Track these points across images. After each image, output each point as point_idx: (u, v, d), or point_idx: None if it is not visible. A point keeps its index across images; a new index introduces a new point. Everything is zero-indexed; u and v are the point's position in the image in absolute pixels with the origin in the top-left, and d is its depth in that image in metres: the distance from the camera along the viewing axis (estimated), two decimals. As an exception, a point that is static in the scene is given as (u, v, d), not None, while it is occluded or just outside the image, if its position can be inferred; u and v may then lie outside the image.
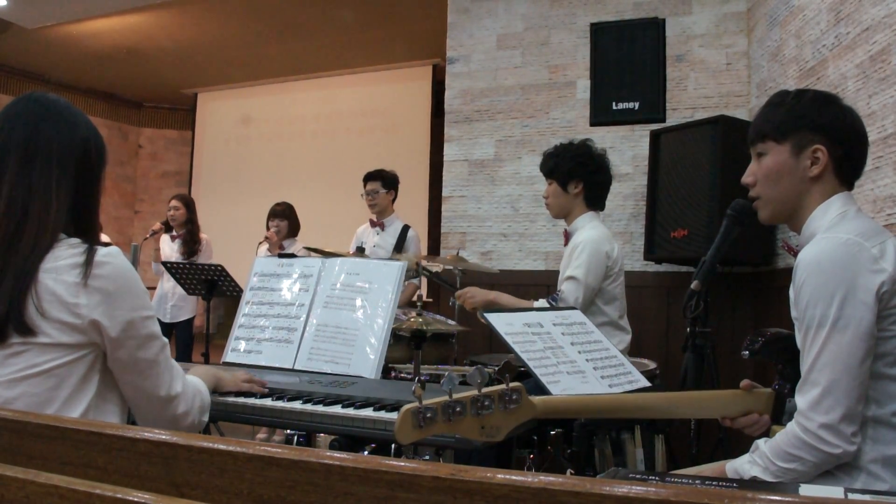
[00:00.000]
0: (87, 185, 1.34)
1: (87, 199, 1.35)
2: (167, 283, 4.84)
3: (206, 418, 1.49)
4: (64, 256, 1.24)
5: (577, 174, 2.80)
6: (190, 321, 4.94)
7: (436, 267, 3.46)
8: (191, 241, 4.88)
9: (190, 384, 1.44)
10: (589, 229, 2.79)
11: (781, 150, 1.52)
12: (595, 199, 2.85)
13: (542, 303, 2.77)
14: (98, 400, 1.29)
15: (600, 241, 2.74)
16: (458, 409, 1.10)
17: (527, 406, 1.18)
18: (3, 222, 1.24)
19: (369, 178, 4.41)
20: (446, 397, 1.09)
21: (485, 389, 1.12)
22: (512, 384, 1.16)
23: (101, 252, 1.26)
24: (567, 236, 2.91)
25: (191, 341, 4.97)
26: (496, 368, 1.14)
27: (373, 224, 4.45)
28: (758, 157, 1.57)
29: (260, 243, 4.76)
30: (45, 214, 1.26)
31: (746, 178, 1.59)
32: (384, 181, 4.38)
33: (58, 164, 1.29)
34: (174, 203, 4.97)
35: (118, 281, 1.26)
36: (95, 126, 1.40)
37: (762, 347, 1.59)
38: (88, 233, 1.33)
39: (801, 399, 1.35)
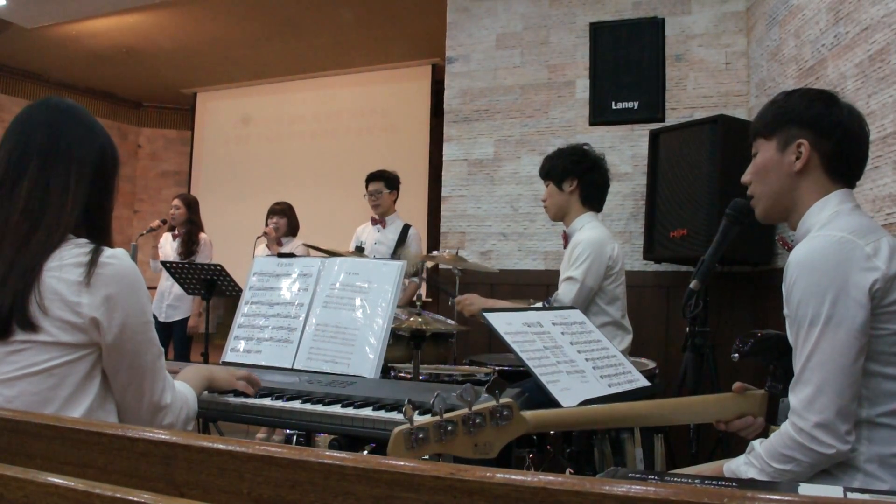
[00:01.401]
0: (102, 191, 1.36)
1: (101, 204, 1.36)
2: (165, 282, 4.84)
3: (189, 428, 1.49)
4: (69, 256, 1.25)
5: (572, 172, 2.84)
6: (185, 321, 4.93)
7: (433, 262, 3.47)
8: (189, 241, 4.88)
9: (179, 395, 1.43)
10: (588, 229, 2.80)
11: (769, 147, 1.53)
12: (591, 199, 2.87)
13: (538, 306, 2.78)
14: (99, 402, 1.29)
15: (601, 242, 2.75)
16: (449, 428, 1.09)
17: (519, 421, 1.17)
18: (20, 221, 1.26)
19: (372, 178, 4.45)
20: (438, 417, 1.09)
21: (476, 406, 1.12)
22: (503, 400, 1.16)
23: (107, 253, 1.27)
24: (566, 238, 2.92)
25: (187, 341, 4.96)
26: (493, 369, 1.15)
27: (374, 222, 4.47)
28: (754, 156, 1.58)
29: (258, 238, 4.76)
30: (60, 214, 1.28)
31: (744, 178, 1.61)
32: (387, 181, 4.42)
33: (76, 169, 1.31)
34: (176, 202, 4.97)
35: (121, 283, 1.26)
36: (108, 133, 1.42)
37: (752, 349, 1.59)
38: (100, 237, 1.34)
39: (794, 398, 1.35)
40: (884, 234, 1.40)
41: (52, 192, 1.28)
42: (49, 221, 1.26)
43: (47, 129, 1.31)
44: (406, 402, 1.07)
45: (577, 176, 2.83)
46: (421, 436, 1.06)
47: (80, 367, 1.25)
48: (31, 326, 1.20)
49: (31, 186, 1.27)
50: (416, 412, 1.38)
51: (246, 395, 1.77)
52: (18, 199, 1.27)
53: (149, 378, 1.34)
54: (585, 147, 2.91)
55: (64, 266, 1.23)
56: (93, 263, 1.24)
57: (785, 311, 1.44)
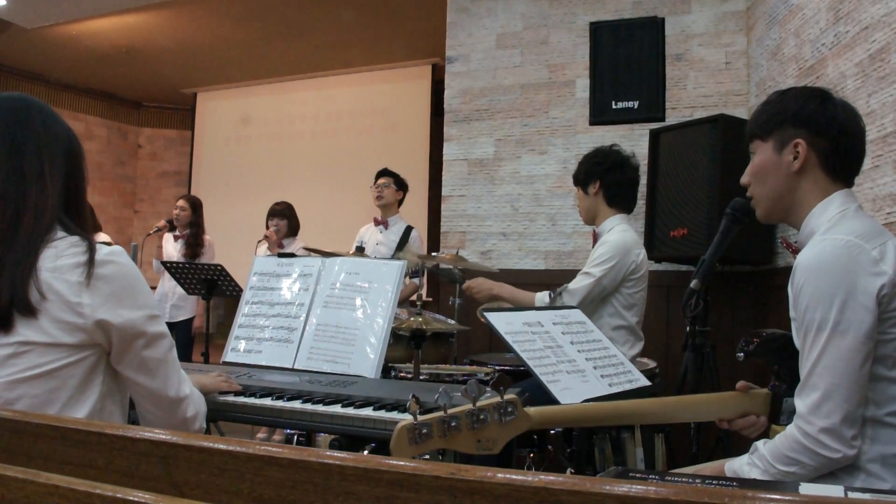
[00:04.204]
0: (75, 173, 1.36)
1: (76, 188, 1.36)
2: (168, 283, 4.84)
3: (205, 424, 1.49)
4: (67, 255, 1.24)
5: (594, 174, 2.87)
6: (189, 321, 4.93)
7: (432, 262, 3.48)
8: (194, 244, 4.88)
9: (195, 388, 1.44)
10: (617, 232, 2.81)
11: (766, 147, 1.53)
12: (616, 199, 2.87)
13: (543, 294, 2.77)
14: (101, 403, 1.29)
15: (627, 247, 2.75)
16: (453, 423, 1.09)
17: (522, 417, 1.17)
18: (1, 210, 1.24)
19: (384, 173, 4.53)
20: (441, 412, 1.09)
21: (480, 402, 1.12)
22: (507, 396, 1.15)
23: (105, 251, 1.27)
24: (595, 238, 2.93)
25: (190, 341, 4.96)
26: (493, 368, 1.15)
27: (376, 223, 4.49)
28: (752, 157, 1.58)
29: (259, 242, 4.76)
30: (43, 199, 1.27)
31: (743, 179, 1.61)
32: (396, 179, 4.50)
33: (47, 154, 1.31)
34: (181, 203, 4.97)
35: (122, 280, 1.26)
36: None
37: (757, 349, 1.59)
38: (80, 222, 1.34)
39: (801, 403, 1.35)
40: (889, 237, 1.40)
41: (28, 178, 1.27)
42: (32, 206, 1.26)
43: (9, 122, 1.31)
44: (411, 396, 1.07)
45: (598, 177, 2.85)
46: (424, 431, 1.06)
47: (80, 368, 1.25)
48: (31, 311, 1.19)
49: (4, 177, 1.26)
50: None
51: (247, 395, 1.77)
52: None
53: (165, 370, 1.33)
54: (611, 148, 2.92)
55: (62, 266, 1.22)
56: (91, 263, 1.23)
57: (791, 313, 1.43)
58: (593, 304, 2.75)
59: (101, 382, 1.29)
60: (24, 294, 1.19)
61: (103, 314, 1.23)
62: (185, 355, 4.86)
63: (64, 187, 1.32)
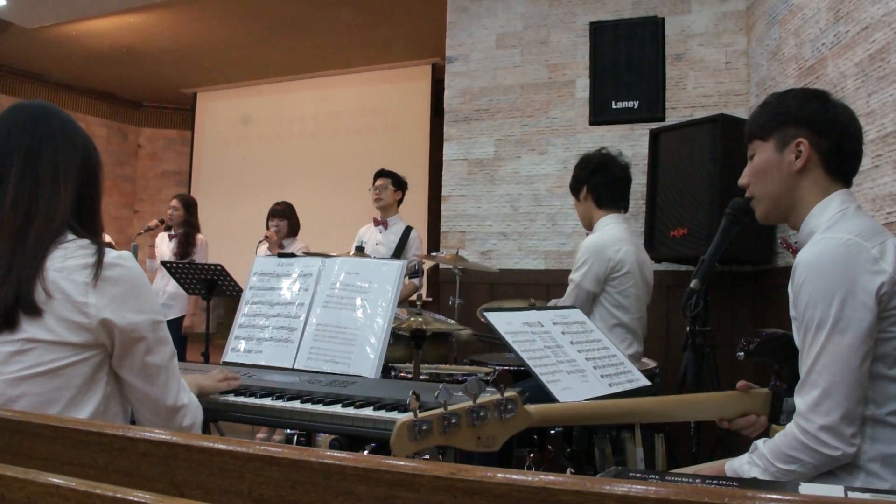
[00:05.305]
0: (89, 182, 1.37)
1: (90, 196, 1.37)
2: (160, 282, 4.84)
3: (201, 433, 1.49)
4: (75, 256, 1.25)
5: (581, 180, 2.90)
6: (179, 320, 4.91)
7: (430, 263, 3.48)
8: (186, 243, 4.88)
9: (193, 397, 1.44)
10: (595, 233, 2.82)
11: (767, 148, 1.54)
12: (604, 200, 2.87)
13: None
14: (104, 405, 1.29)
15: (602, 245, 2.74)
16: (453, 420, 1.09)
17: (522, 415, 1.17)
18: (12, 215, 1.26)
19: (381, 174, 4.51)
20: (441, 409, 1.09)
21: (480, 400, 1.12)
22: (507, 394, 1.16)
23: (113, 254, 1.28)
24: None
25: (181, 341, 4.94)
26: (493, 368, 1.15)
27: (376, 223, 4.49)
28: (750, 158, 1.59)
29: (260, 242, 4.76)
30: (55, 204, 1.29)
31: (741, 180, 1.61)
32: (394, 179, 4.49)
33: (63, 162, 1.33)
34: (174, 203, 4.98)
35: (128, 283, 1.28)
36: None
37: (757, 348, 1.59)
38: (92, 229, 1.35)
39: (801, 401, 1.35)
40: (888, 235, 1.40)
41: (42, 184, 1.29)
42: (43, 211, 1.28)
43: (27, 129, 1.32)
44: (411, 392, 1.07)
45: (584, 182, 2.88)
46: (424, 427, 1.06)
47: (84, 367, 1.26)
48: (36, 311, 1.20)
49: (18, 181, 1.28)
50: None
51: (247, 395, 1.77)
52: (6, 194, 1.27)
53: (164, 377, 1.34)
54: (598, 152, 2.92)
55: (70, 267, 1.24)
56: (98, 265, 1.25)
57: (791, 312, 1.43)
58: (585, 308, 2.75)
59: (104, 384, 1.29)
60: (29, 295, 1.20)
61: (107, 314, 1.24)
62: (177, 354, 4.83)
63: (77, 195, 1.33)
